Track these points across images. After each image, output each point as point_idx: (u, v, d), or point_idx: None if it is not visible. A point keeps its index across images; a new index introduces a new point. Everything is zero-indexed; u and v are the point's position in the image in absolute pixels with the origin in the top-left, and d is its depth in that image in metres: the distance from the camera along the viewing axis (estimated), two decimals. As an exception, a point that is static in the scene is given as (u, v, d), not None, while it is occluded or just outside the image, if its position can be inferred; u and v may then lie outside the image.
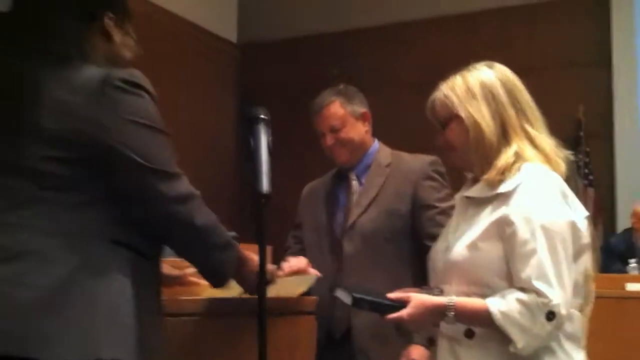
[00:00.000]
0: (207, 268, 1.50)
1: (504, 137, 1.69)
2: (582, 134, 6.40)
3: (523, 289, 1.54)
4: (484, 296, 1.59)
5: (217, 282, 1.53)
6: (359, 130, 2.33)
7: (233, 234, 1.53)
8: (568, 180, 1.68)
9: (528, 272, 1.53)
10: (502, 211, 1.61)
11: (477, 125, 1.68)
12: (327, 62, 7.39)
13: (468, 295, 1.61)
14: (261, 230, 1.35)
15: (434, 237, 2.12)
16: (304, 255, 2.38)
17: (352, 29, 7.40)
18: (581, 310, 1.66)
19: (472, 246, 1.62)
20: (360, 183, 2.34)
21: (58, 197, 1.30)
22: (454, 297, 1.61)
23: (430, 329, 1.76)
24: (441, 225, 2.11)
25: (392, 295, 1.69)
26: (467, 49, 6.88)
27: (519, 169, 1.65)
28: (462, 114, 1.69)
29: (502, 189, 1.64)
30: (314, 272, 1.95)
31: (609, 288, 3.91)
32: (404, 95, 7.06)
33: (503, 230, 1.59)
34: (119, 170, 1.34)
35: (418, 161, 2.32)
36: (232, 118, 7.56)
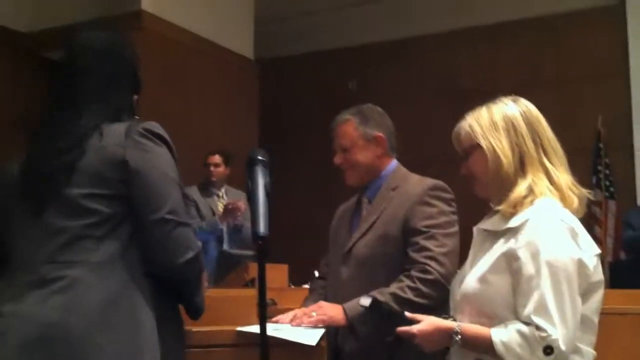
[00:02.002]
0: (191, 306, 1.62)
1: (522, 169, 1.74)
2: (601, 145, 6.36)
3: (525, 322, 1.58)
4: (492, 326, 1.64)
5: (197, 317, 1.64)
6: (367, 154, 2.30)
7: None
8: (582, 219, 1.72)
9: (530, 306, 1.57)
10: (510, 245, 1.65)
11: (496, 155, 1.73)
12: (345, 76, 7.44)
13: (478, 324, 1.67)
14: (262, 271, 1.39)
15: (414, 262, 2.10)
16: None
17: (370, 43, 7.43)
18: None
19: (483, 279, 1.67)
20: (370, 206, 2.32)
21: (101, 233, 1.49)
22: (462, 323, 1.68)
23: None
24: (426, 250, 2.10)
25: (409, 314, 1.77)
26: (488, 61, 6.91)
27: (531, 203, 1.69)
28: (483, 144, 1.75)
29: (512, 223, 1.68)
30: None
31: (629, 304, 3.86)
32: (426, 108, 7.07)
33: (510, 264, 1.64)
34: (136, 209, 1.52)
35: (419, 185, 2.26)
36: (253, 134, 7.61)
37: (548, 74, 6.71)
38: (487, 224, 1.77)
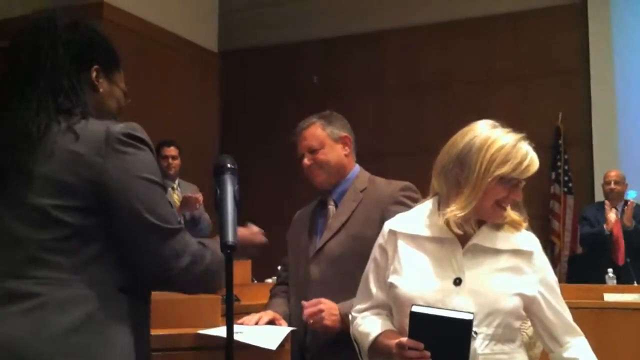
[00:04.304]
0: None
1: None
2: (561, 142, 6.48)
3: (575, 333, 1.86)
4: (512, 338, 1.79)
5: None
6: (337, 153, 2.33)
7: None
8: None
9: (571, 319, 1.86)
10: (532, 271, 1.81)
11: None
12: (309, 70, 7.42)
13: (501, 336, 1.75)
14: (230, 278, 1.39)
15: None
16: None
17: (333, 37, 7.44)
18: None
19: (519, 296, 1.77)
20: (337, 208, 2.34)
21: (71, 247, 1.38)
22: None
23: None
24: None
25: None
26: (450, 58, 6.96)
27: (520, 225, 1.84)
28: None
29: (521, 245, 1.82)
30: (285, 324, 2.04)
31: (587, 299, 3.94)
32: (387, 103, 7.11)
33: (533, 286, 1.80)
34: (122, 221, 1.41)
35: (390, 187, 2.30)
36: (215, 126, 7.56)
37: (509, 70, 6.80)
38: (492, 242, 1.81)
